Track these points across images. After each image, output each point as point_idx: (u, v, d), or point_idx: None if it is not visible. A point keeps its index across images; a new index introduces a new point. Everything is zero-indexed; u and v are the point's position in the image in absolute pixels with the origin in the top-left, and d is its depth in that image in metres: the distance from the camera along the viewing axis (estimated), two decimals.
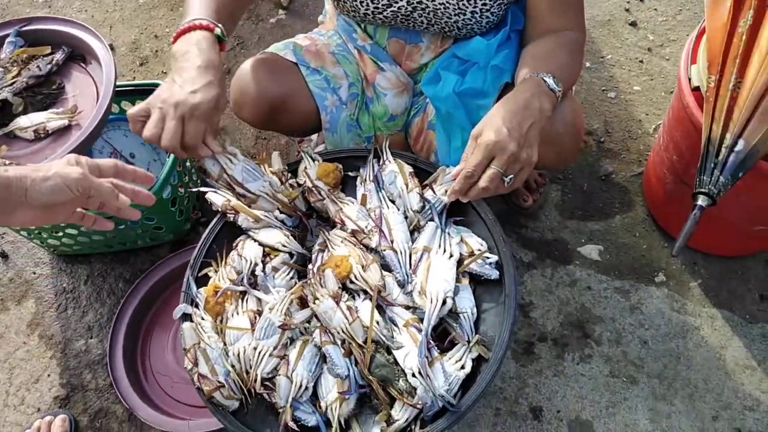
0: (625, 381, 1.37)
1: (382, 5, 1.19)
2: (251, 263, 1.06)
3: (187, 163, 1.55)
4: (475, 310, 1.03)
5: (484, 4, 1.15)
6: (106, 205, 0.88)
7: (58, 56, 1.28)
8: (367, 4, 1.20)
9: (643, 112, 1.71)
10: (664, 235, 1.52)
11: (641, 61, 1.80)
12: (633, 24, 1.87)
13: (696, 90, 1.13)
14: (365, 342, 0.96)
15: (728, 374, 1.35)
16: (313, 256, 1.08)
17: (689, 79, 1.15)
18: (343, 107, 1.30)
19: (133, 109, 0.97)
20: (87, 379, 1.50)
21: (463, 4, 1.16)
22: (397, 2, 1.18)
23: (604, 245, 1.53)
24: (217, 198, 1.13)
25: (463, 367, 0.97)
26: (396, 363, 0.96)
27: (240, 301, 1.06)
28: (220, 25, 1.05)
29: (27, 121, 1.22)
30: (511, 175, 0.96)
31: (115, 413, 1.45)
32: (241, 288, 1.05)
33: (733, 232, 1.36)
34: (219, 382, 0.99)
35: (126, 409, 1.43)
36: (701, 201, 1.01)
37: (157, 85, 1.54)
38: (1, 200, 0.78)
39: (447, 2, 1.16)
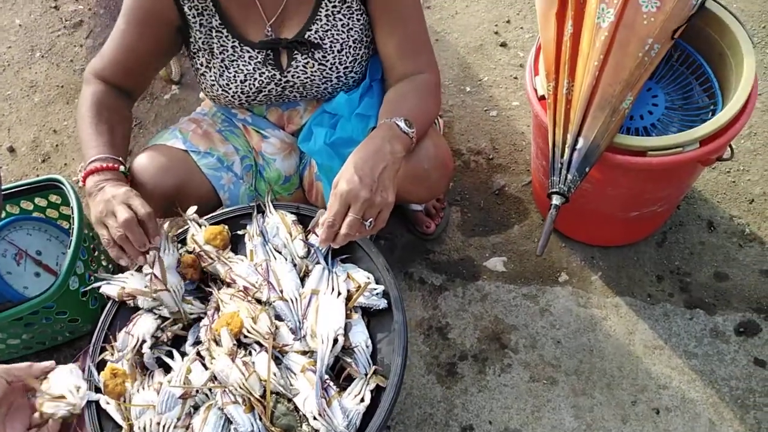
0: (545, 383, 1.40)
1: (253, 93, 1.25)
2: (138, 340, 1.07)
3: (96, 252, 1.55)
4: (369, 342, 1.06)
5: (346, 68, 1.23)
6: None
7: None
8: (239, 96, 1.26)
9: (525, 125, 1.80)
10: (560, 236, 1.59)
11: (516, 78, 1.91)
12: (503, 45, 1.98)
13: (542, 98, 1.22)
14: (264, 395, 0.98)
15: (639, 358, 1.41)
16: (208, 316, 1.10)
17: (535, 90, 1.24)
18: (240, 182, 1.35)
19: (104, 242, 1.08)
20: None
21: (327, 73, 1.23)
22: (266, 87, 1.24)
23: (507, 256, 1.59)
24: (112, 289, 1.14)
25: (362, 400, 1.00)
26: (297, 409, 0.99)
27: (145, 376, 1.07)
28: (121, 160, 1.16)
29: None
30: (371, 219, 1.00)
31: None
32: (127, 367, 1.06)
33: (616, 222, 1.44)
34: None
35: None
36: (555, 200, 1.08)
37: (53, 180, 1.57)
38: None
39: (312, 76, 1.22)
